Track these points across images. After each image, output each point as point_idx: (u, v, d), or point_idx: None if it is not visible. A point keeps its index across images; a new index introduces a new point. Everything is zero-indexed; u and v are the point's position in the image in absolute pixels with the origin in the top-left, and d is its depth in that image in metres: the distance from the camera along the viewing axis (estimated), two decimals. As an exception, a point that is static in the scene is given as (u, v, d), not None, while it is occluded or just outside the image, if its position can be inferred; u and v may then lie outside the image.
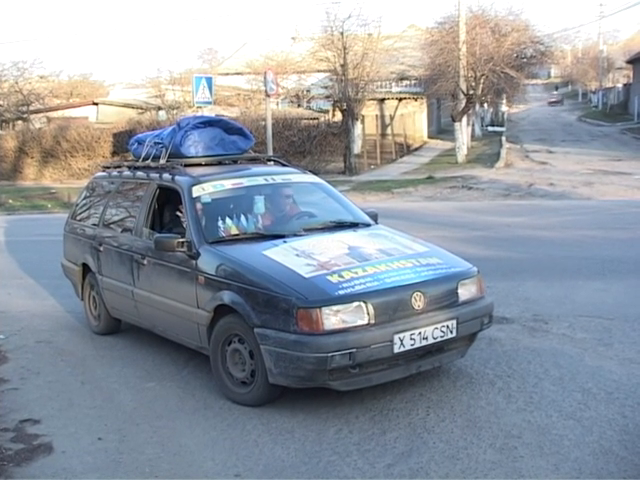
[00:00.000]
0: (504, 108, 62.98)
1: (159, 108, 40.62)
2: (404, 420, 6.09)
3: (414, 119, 46.83)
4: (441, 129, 54.64)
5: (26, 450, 5.90)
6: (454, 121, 34.78)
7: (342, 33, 34.18)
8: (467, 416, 6.10)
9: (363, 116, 37.37)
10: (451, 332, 6.51)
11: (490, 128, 55.60)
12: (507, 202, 20.36)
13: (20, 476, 5.49)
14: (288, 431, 6.08)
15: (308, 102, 45.03)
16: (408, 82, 47.37)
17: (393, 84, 47.18)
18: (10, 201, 27.39)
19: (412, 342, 6.25)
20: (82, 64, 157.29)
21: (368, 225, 8.01)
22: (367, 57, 34.25)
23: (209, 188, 7.80)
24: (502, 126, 55.85)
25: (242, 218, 7.66)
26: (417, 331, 6.27)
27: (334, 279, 6.35)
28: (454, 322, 6.52)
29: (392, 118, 44.92)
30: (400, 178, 29.30)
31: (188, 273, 7.20)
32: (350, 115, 34.14)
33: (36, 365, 8.06)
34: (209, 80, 23.11)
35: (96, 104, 46.62)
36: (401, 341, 6.18)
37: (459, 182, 25.53)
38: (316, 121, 37.41)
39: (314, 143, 33.38)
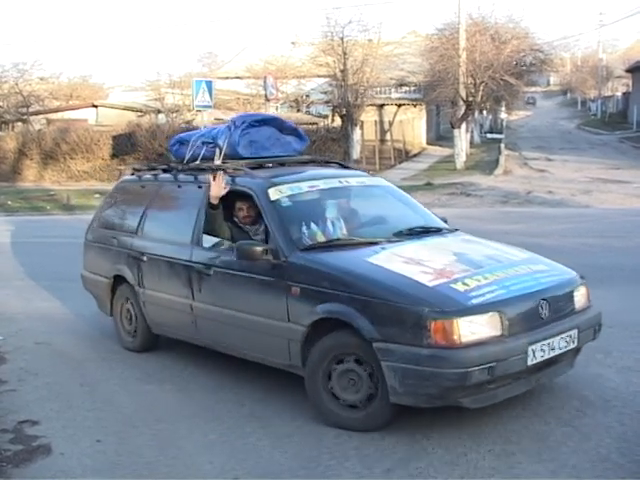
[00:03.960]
0: (503, 115, 63.05)
1: (159, 111, 40.69)
2: (403, 425, 6.07)
3: (413, 125, 46.84)
4: (440, 135, 54.68)
5: (25, 451, 5.90)
6: (453, 128, 34.81)
7: (342, 38, 34.25)
8: (466, 422, 6.09)
9: (362, 122, 37.38)
10: (573, 342, 6.19)
11: (489, 135, 55.62)
12: (505, 209, 20.39)
13: (19, 477, 5.50)
14: (287, 435, 6.08)
15: (307, 107, 45.12)
16: (407, 88, 47.39)
17: (392, 90, 47.20)
18: (9, 202, 27.37)
19: (542, 353, 5.88)
20: (82, 66, 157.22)
21: (452, 230, 7.62)
22: (367, 63, 34.32)
23: (286, 191, 7.19)
24: (501, 133, 55.90)
25: (328, 223, 7.06)
26: (547, 342, 5.90)
27: (460, 287, 5.88)
28: (576, 331, 6.19)
29: (391, 124, 44.91)
30: (399, 184, 29.10)
31: (276, 284, 6.56)
32: (349, 120, 34.21)
33: (34, 366, 8.05)
34: (209, 84, 23.15)
35: (96, 106, 46.60)
36: (533, 353, 5.79)
37: (457, 189, 25.56)
38: (315, 126, 37.49)
39: (313, 148, 33.33)
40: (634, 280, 10.83)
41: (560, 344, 6.04)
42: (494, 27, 38.63)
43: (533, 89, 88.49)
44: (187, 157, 8.25)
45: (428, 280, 5.93)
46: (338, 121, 36.37)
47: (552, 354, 5.99)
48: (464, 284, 5.92)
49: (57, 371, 7.94)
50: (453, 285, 5.90)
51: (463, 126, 36.14)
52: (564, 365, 6.43)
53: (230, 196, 7.38)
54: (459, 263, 6.44)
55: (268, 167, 7.78)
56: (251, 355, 7.11)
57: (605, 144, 45.69)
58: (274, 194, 7.09)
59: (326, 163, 8.69)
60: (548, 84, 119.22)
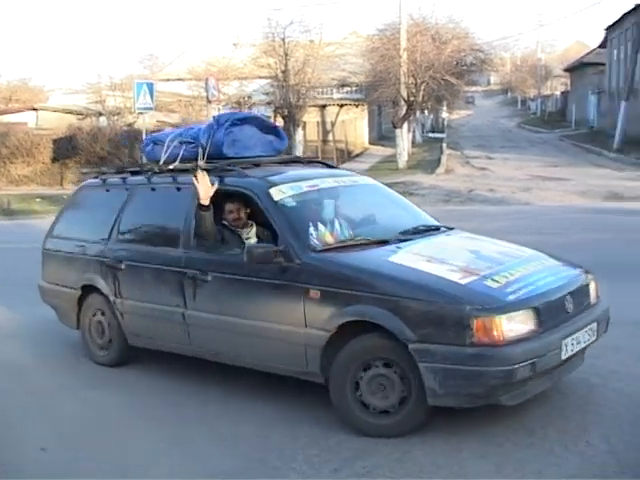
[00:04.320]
0: (444, 114, 63.51)
1: (100, 114, 40.26)
2: (349, 426, 6.09)
3: (355, 125, 46.97)
4: (382, 135, 54.88)
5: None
6: (395, 127, 34.99)
7: (283, 39, 34.21)
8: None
9: (304, 122, 37.38)
10: (594, 335, 6.26)
11: (431, 134, 56.05)
12: (448, 208, 20.53)
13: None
14: (234, 438, 6.10)
15: (249, 108, 44.95)
16: (349, 89, 47.48)
17: (334, 90, 47.27)
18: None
19: (572, 347, 5.93)
20: (21, 69, 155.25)
21: (450, 228, 7.54)
22: (308, 63, 34.33)
23: (288, 191, 6.95)
24: (442, 132, 56.34)
25: (335, 223, 6.90)
26: (574, 335, 5.95)
27: (493, 284, 5.85)
28: (595, 325, 6.27)
29: (333, 124, 45.00)
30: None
31: (289, 287, 6.28)
32: (291, 121, 34.19)
33: (-24, 374, 7.91)
34: (150, 86, 23.05)
35: (35, 109, 45.89)
36: (566, 347, 5.82)
37: (400, 188, 25.55)
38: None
39: (256, 149, 33.28)
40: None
41: (584, 337, 6.11)
42: (435, 27, 38.90)
43: (474, 88, 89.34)
44: (163, 158, 7.83)
45: (459, 278, 5.88)
46: (280, 122, 36.36)
47: (578, 347, 6.05)
48: (494, 281, 5.92)
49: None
50: (485, 282, 5.88)
51: (405, 126, 36.34)
52: (578, 359, 6.38)
53: (218, 198, 7.02)
54: (479, 260, 6.47)
55: (254, 167, 7.48)
56: (258, 364, 6.78)
57: (545, 142, 46.26)
58: (277, 194, 6.85)
59: (309, 162, 8.64)
60: (488, 83, 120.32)
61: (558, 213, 18.15)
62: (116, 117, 37.56)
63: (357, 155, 43.66)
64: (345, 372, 5.96)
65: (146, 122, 24.72)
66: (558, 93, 79.78)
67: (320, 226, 6.70)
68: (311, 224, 6.67)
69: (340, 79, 44.72)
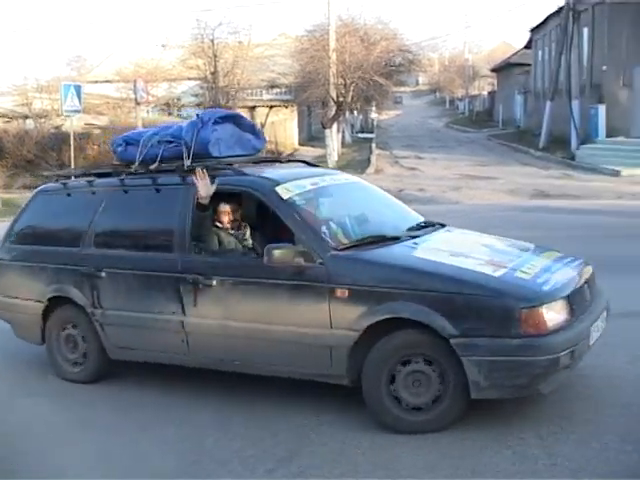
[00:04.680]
0: (374, 115, 63.84)
1: (26, 117, 39.67)
2: (285, 426, 6.16)
3: (285, 126, 46.97)
4: (312, 136, 54.94)
5: None
6: (324, 128, 35.06)
7: (212, 41, 34.18)
8: (345, 420, 6.21)
9: (235, 124, 37.28)
10: (605, 323, 6.40)
11: (360, 135, 56.28)
12: (378, 208, 20.60)
13: None
14: (167, 442, 6.09)
15: (179, 110, 44.69)
16: (279, 90, 47.49)
17: (264, 92, 47.28)
18: None
19: (595, 335, 6.09)
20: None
21: (444, 225, 7.63)
22: (238, 65, 34.35)
23: (294, 189, 6.78)
24: (372, 132, 56.62)
25: (345, 221, 6.90)
26: (596, 323, 6.09)
27: (524, 276, 5.96)
28: (606, 312, 6.43)
29: (263, 126, 44.84)
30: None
31: (312, 288, 6.11)
32: (221, 123, 34.06)
33: None
34: (78, 88, 22.83)
35: (-41, 112, 45.17)
36: (591, 334, 5.97)
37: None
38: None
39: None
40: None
41: (602, 325, 6.28)
42: (363, 28, 39.06)
43: (402, 89, 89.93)
44: (139, 158, 7.44)
45: (492, 271, 5.95)
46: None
47: (598, 335, 6.18)
48: (523, 272, 6.02)
49: None
50: (516, 274, 5.98)
51: (334, 126, 36.46)
52: None
53: (211, 199, 6.83)
54: (498, 253, 6.63)
55: (246, 166, 7.35)
56: (273, 369, 6.58)
57: (473, 142, 46.75)
58: (284, 193, 6.66)
59: (288, 162, 8.57)
60: (417, 84, 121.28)
61: (487, 211, 18.36)
62: (43, 120, 37.01)
63: (287, 156, 43.66)
64: (379, 370, 5.89)
65: (74, 125, 24.46)
66: (485, 93, 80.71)
67: (332, 225, 6.66)
68: (323, 222, 6.64)
69: (269, 80, 44.73)
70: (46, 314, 7.74)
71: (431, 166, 31.66)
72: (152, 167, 7.35)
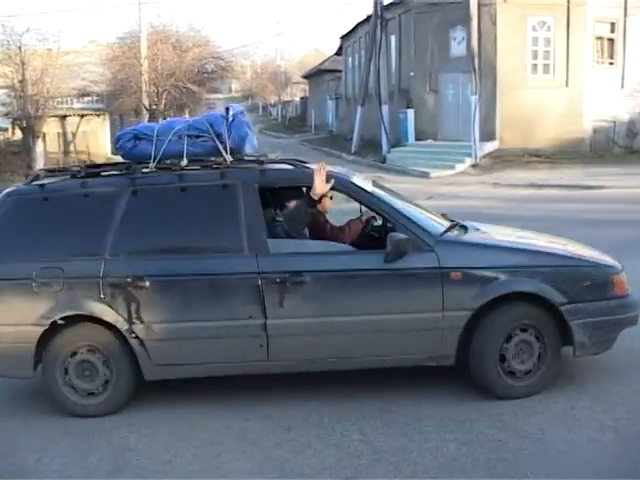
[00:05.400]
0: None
1: None
2: (106, 441, 6.07)
3: (97, 136, 45.89)
4: (126, 144, 54.08)
5: None
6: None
7: (20, 47, 33.06)
8: (170, 429, 6.20)
9: (44, 134, 36.28)
10: None
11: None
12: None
13: None
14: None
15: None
16: (90, 98, 46.48)
17: (75, 100, 46.18)
18: None
19: None
20: None
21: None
22: (47, 73, 33.31)
23: (362, 183, 6.85)
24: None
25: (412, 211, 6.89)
26: None
27: (586, 253, 7.03)
28: None
29: (74, 135, 43.93)
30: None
31: (424, 274, 6.31)
32: (30, 133, 33.07)
33: None
34: None
35: None
36: None
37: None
38: (-6, 140, 35.96)
39: (-6, 162, 32.05)
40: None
41: None
42: (175, 35, 38.91)
43: (215, 96, 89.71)
44: (157, 155, 6.71)
45: (561, 250, 7.04)
46: (19, 134, 35.10)
47: None
48: (574, 249, 7.17)
49: None
50: (580, 252, 7.06)
51: (149, 134, 36.06)
52: None
53: (274, 194, 7.01)
54: (542, 239, 7.49)
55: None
56: (376, 360, 6.58)
57: (286, 147, 46.97)
58: (365, 185, 6.81)
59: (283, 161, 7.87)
60: (230, 90, 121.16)
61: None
62: None
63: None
64: (489, 345, 6.36)
65: None
66: (298, 99, 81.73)
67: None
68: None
69: (80, 88, 43.70)
70: (43, 340, 6.50)
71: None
72: (183, 164, 6.71)
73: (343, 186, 6.70)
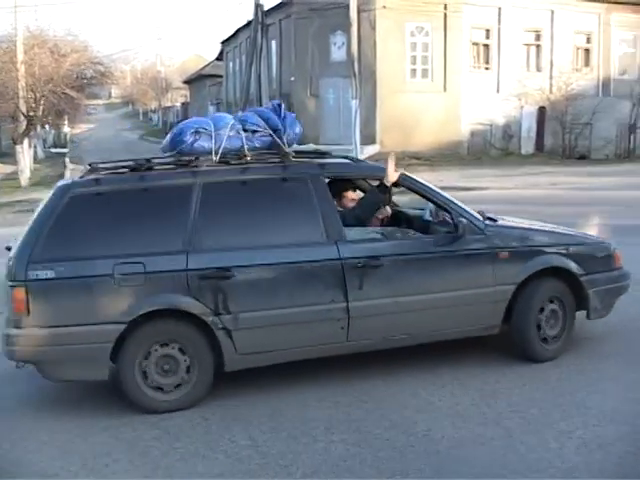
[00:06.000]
0: (66, 129, 62.40)
1: None
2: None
3: (-28, 142, 44.92)
4: (2, 152, 52.83)
5: None
6: (15, 144, 33.85)
7: None
8: (57, 441, 6.06)
9: None
10: None
11: (53, 149, 54.79)
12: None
13: None
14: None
15: None
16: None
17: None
18: None
19: None
20: None
21: None
22: None
23: (417, 178, 7.62)
24: (65, 147, 55.33)
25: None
26: None
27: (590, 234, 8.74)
28: None
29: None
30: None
31: (480, 254, 7.19)
32: None
33: None
34: None
35: None
36: None
37: (24, 206, 24.85)
38: None
39: None
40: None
41: None
42: (53, 40, 38.09)
43: (95, 102, 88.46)
44: (219, 149, 6.88)
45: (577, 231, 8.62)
46: None
47: None
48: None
49: None
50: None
51: (26, 142, 35.30)
52: None
53: (337, 183, 7.50)
54: (550, 225, 8.51)
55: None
56: (440, 334, 7.26)
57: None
58: (421, 179, 7.59)
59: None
60: (110, 96, 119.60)
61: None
62: None
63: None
64: (529, 312, 7.33)
65: None
66: (179, 104, 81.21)
67: None
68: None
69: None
70: (120, 338, 6.38)
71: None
72: (249, 157, 6.99)
73: (404, 179, 7.38)
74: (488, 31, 34.19)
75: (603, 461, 5.36)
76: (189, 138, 6.94)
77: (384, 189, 7.31)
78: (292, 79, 34.36)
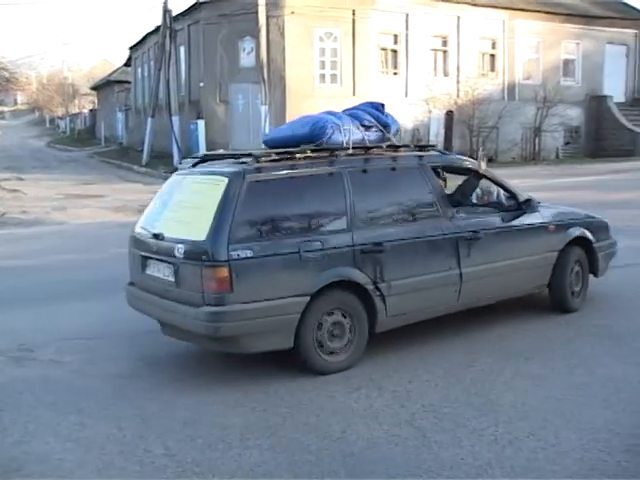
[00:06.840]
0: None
1: None
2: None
3: None
4: None
5: None
6: None
7: None
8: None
9: None
10: None
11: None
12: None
13: None
14: None
15: None
16: None
17: None
18: None
19: None
20: None
21: None
22: None
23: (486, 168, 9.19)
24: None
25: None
26: None
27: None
28: None
29: None
30: None
31: (539, 228, 9.05)
32: None
33: None
34: None
35: None
36: None
37: None
38: None
39: None
40: (112, 291, 9.82)
41: None
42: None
43: (0, 109, 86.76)
44: (350, 142, 7.96)
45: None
46: None
47: None
48: None
49: None
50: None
51: None
52: None
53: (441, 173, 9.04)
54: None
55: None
56: (515, 291, 9.10)
57: (76, 160, 46.10)
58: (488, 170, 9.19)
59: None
60: (16, 103, 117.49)
61: (95, 230, 18.25)
62: None
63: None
64: (565, 272, 9.22)
65: None
66: (87, 111, 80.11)
67: None
68: None
69: None
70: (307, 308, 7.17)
71: (34, 187, 30.69)
72: (377, 149, 8.25)
73: (485, 171, 9.02)
74: (396, 36, 34.54)
75: (514, 457, 5.46)
76: (328, 132, 7.89)
77: (478, 176, 8.98)
78: (201, 85, 34.14)
